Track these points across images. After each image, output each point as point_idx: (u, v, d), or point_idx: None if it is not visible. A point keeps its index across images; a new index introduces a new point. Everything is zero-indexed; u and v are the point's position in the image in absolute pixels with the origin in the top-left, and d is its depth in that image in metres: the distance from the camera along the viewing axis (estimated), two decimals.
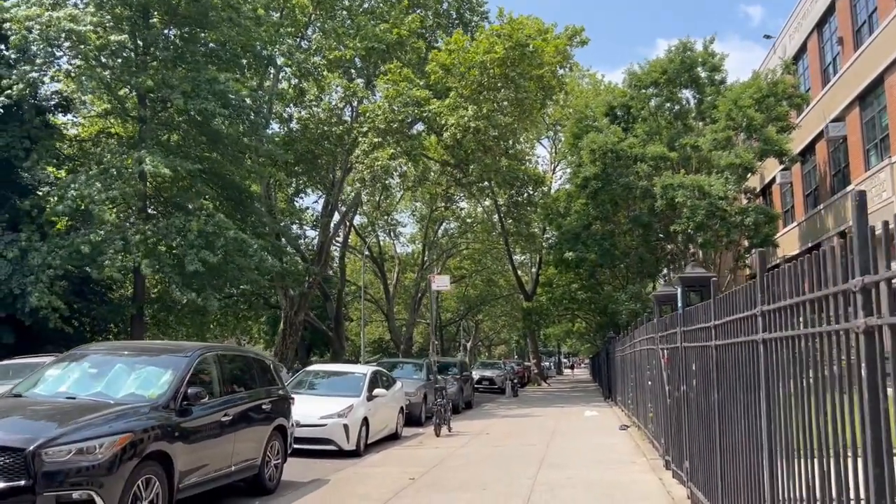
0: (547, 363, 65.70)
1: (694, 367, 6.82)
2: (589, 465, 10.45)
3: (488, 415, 20.65)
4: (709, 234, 23.39)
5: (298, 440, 11.50)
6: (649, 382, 11.69)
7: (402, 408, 15.42)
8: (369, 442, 13.18)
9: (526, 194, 29.96)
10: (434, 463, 11.01)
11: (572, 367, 73.26)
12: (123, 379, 7.21)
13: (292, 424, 9.65)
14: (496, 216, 40.30)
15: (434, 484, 9.09)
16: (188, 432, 6.92)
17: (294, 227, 34.61)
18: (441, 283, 17.80)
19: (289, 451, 9.60)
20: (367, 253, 43.83)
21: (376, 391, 13.54)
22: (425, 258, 45.22)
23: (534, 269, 45.74)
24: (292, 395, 10.03)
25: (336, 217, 32.90)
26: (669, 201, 22.78)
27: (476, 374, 34.21)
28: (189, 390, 7.03)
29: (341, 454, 12.10)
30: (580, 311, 42.55)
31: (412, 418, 17.38)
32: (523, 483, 9.01)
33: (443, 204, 42.51)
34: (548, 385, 42.68)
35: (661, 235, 29.20)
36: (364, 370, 14.22)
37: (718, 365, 5.65)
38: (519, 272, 49.71)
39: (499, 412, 21.64)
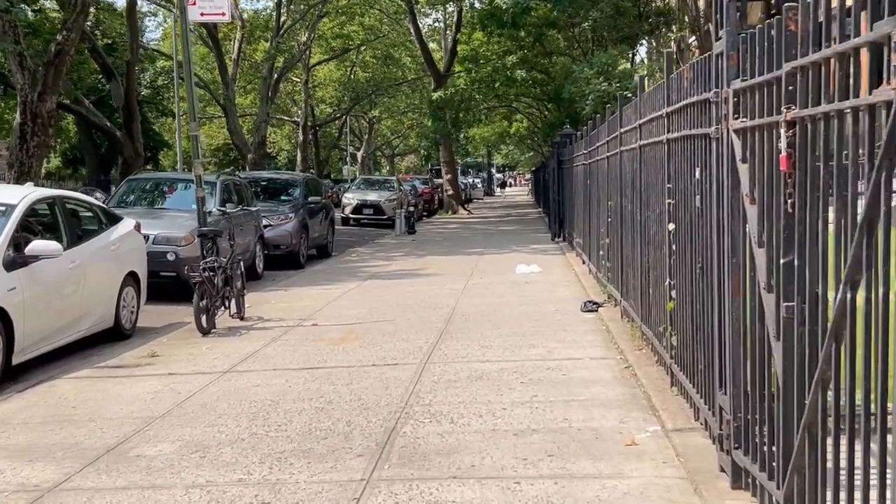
0: (472, 180, 61.24)
1: None
2: (511, 442, 5.13)
3: (347, 273, 15.55)
4: None
5: None
6: (671, 226, 6.24)
7: (133, 274, 9.81)
8: (31, 356, 7.87)
9: None
10: (120, 438, 5.62)
11: (504, 185, 69.32)
12: None
13: None
14: None
15: None
16: None
17: None
18: (210, 5, 11.29)
19: None
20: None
21: (37, 246, 7.76)
22: (283, 18, 38.74)
23: (449, 35, 39.56)
24: None
25: None
26: None
27: (351, 199, 29.11)
28: None
29: None
30: (520, 100, 37.54)
31: (181, 289, 11.91)
32: None
33: None
34: (468, 213, 38.18)
35: None
36: (14, 197, 8.22)
37: None
38: (431, 44, 43.97)
39: (368, 267, 16.66)
